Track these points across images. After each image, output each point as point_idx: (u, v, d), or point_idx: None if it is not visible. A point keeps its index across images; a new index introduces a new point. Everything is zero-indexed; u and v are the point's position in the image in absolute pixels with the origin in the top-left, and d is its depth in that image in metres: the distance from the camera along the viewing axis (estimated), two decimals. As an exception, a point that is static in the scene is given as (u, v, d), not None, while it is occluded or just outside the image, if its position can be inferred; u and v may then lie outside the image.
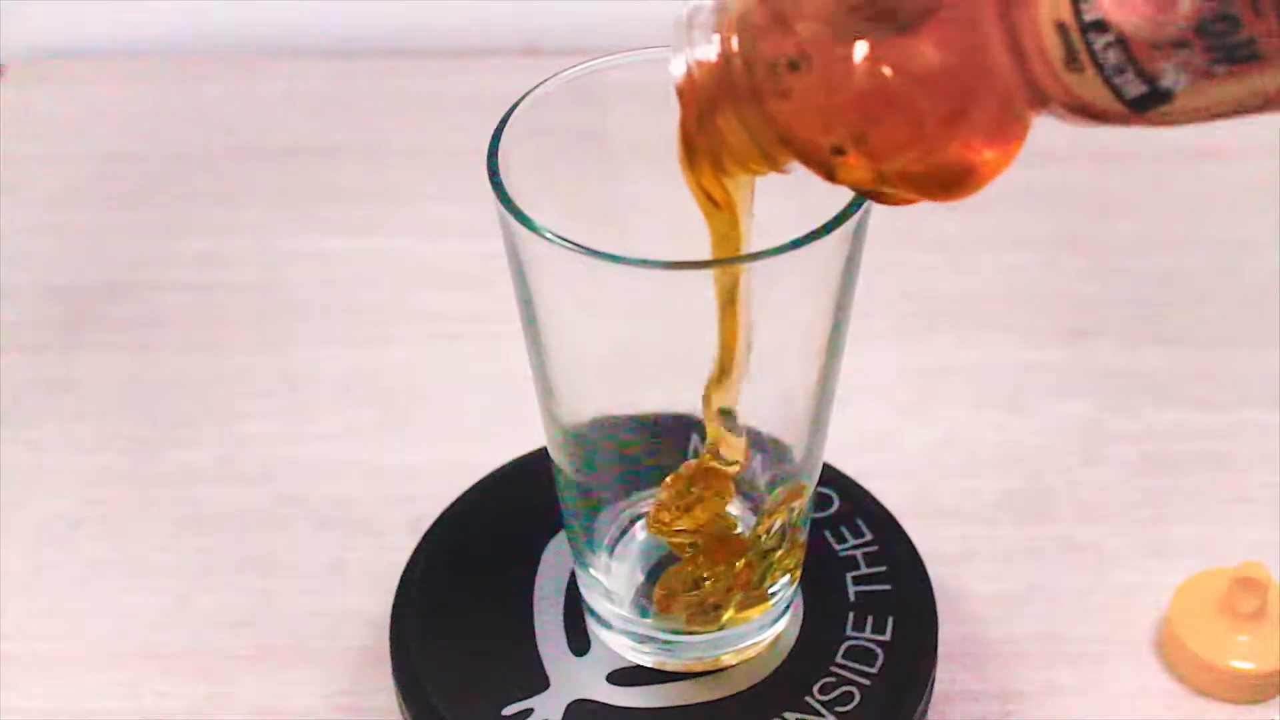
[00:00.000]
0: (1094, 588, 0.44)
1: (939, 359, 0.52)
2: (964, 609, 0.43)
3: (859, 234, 0.32)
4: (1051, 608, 0.44)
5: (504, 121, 0.32)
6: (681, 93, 0.29)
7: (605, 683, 0.37)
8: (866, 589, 0.39)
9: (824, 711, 0.37)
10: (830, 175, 0.28)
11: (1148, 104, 0.24)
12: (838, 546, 0.40)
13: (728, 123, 0.28)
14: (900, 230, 0.56)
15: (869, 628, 0.39)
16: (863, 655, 0.38)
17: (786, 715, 0.37)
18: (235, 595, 0.44)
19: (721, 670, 0.38)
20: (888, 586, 0.39)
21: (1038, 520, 0.46)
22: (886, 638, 0.38)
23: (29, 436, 0.50)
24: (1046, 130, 0.66)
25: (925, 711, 0.38)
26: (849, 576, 0.40)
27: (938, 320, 0.53)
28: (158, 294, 0.55)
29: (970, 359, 0.52)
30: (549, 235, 0.30)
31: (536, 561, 0.40)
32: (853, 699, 0.37)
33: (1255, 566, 0.41)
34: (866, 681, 0.37)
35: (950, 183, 0.27)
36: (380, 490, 0.47)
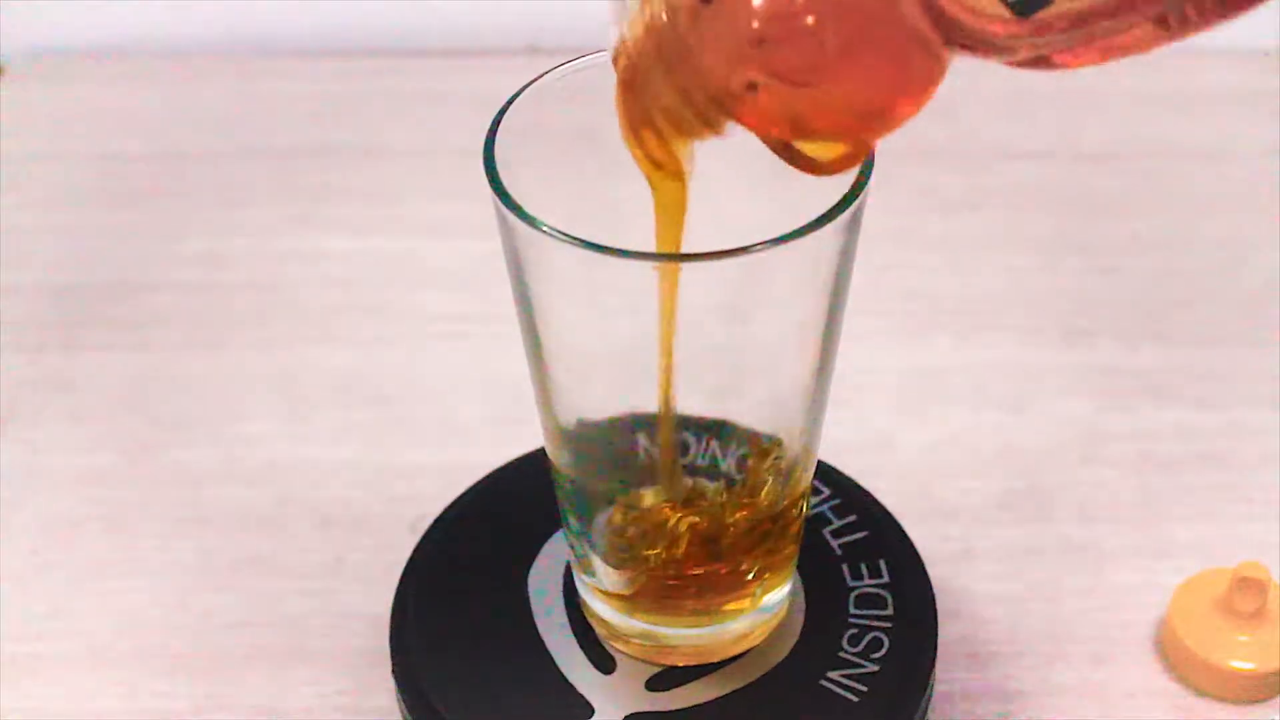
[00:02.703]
0: (1094, 588, 0.44)
1: (939, 359, 0.52)
2: (964, 609, 0.43)
3: (854, 226, 0.32)
4: (1051, 608, 0.44)
5: (500, 115, 0.32)
6: (616, 60, 0.30)
7: (646, 691, 0.37)
8: (847, 539, 0.40)
9: (863, 661, 0.37)
10: (753, 123, 0.28)
11: (1030, 7, 0.25)
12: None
13: (659, 83, 0.29)
14: (900, 230, 0.57)
15: (865, 575, 0.39)
16: (873, 601, 0.38)
17: (830, 675, 0.37)
18: (235, 595, 0.44)
19: (745, 654, 0.38)
20: (865, 533, 0.40)
21: (1038, 520, 0.46)
22: (886, 579, 0.39)
23: (29, 436, 0.50)
24: (1045, 130, 0.66)
25: (926, 712, 0.38)
26: (826, 532, 0.40)
27: (938, 320, 0.53)
28: (158, 294, 0.55)
29: (970, 359, 0.52)
30: (545, 228, 0.30)
31: (535, 561, 0.40)
32: (883, 644, 0.37)
33: (1255, 566, 0.41)
34: (888, 624, 0.38)
35: (860, 119, 0.28)
36: (380, 490, 0.47)
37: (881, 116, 0.28)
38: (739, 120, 0.29)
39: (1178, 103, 0.63)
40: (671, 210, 0.32)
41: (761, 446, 0.35)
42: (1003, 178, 0.59)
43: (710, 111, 0.29)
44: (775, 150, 0.29)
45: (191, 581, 0.45)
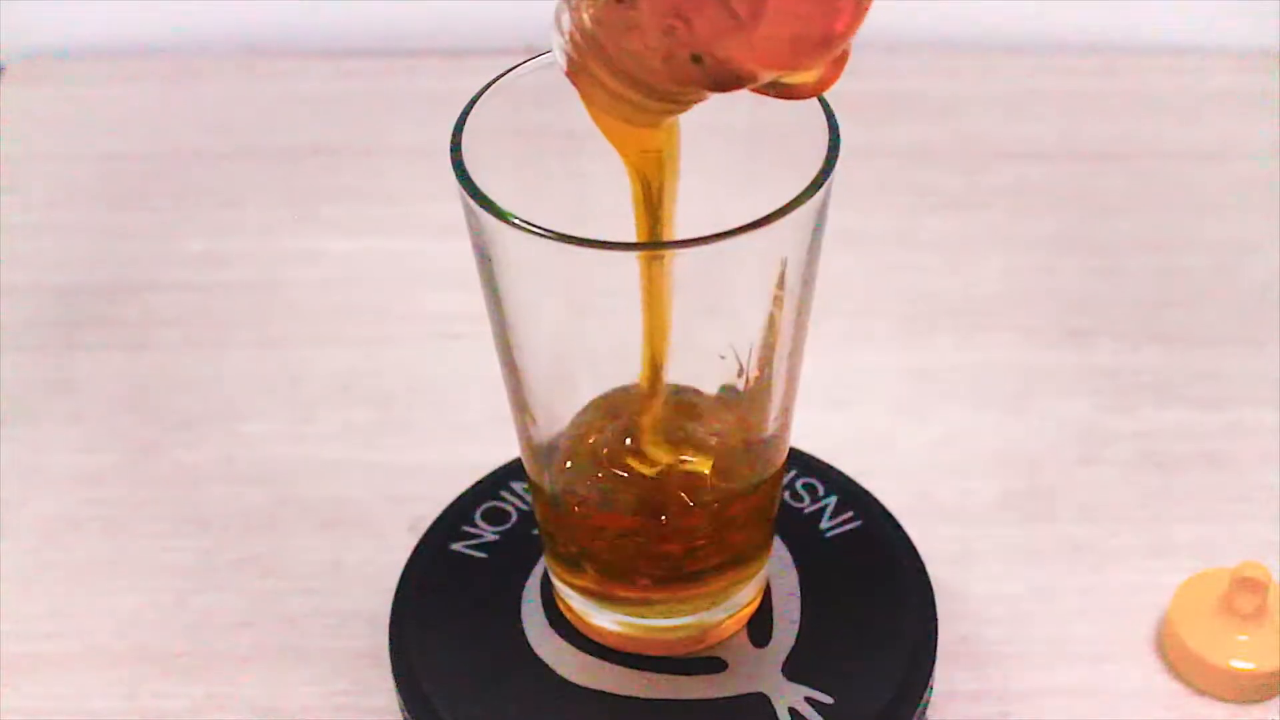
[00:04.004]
0: (1094, 588, 0.44)
1: (939, 359, 0.52)
2: (964, 609, 0.43)
3: (821, 215, 0.32)
4: (1051, 608, 0.44)
5: (467, 110, 0.32)
6: (570, 76, 0.30)
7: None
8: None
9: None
10: (714, 84, 0.29)
11: None
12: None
13: (613, 82, 0.30)
14: (900, 230, 0.57)
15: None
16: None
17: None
18: (235, 595, 0.44)
19: (741, 648, 0.38)
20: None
21: (1038, 520, 0.46)
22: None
23: (29, 436, 0.50)
24: (1045, 130, 0.66)
25: (925, 712, 0.38)
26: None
27: (938, 320, 0.53)
28: (158, 294, 0.55)
29: (970, 359, 0.52)
30: (515, 221, 0.30)
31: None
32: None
33: (1255, 566, 0.41)
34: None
35: (809, 50, 0.28)
36: (380, 490, 0.47)
37: (827, 41, 0.28)
38: (704, 89, 0.29)
39: (1178, 103, 0.63)
40: (653, 205, 0.32)
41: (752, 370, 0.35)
42: (1003, 178, 0.59)
43: (675, 92, 0.29)
44: (761, 92, 0.30)
45: (191, 581, 0.45)
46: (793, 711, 0.37)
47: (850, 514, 0.41)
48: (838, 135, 0.31)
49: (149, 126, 0.64)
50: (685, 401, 0.36)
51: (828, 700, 0.37)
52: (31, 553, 0.46)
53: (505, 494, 0.42)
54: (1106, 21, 0.66)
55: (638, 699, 0.37)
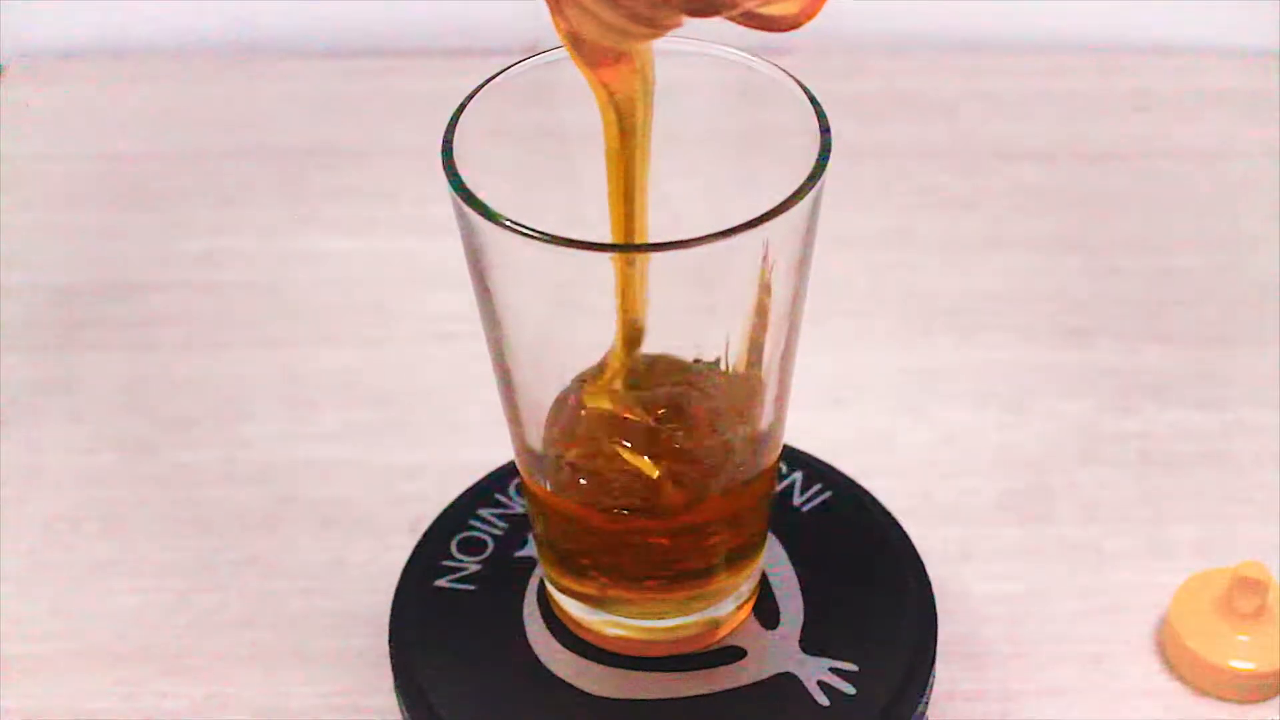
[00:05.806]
0: (1094, 588, 0.44)
1: (939, 359, 0.52)
2: (964, 609, 0.43)
3: (813, 215, 0.32)
4: (1051, 608, 0.44)
5: (458, 111, 0.32)
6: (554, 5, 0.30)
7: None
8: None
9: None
10: (691, 6, 0.28)
11: None
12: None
13: (607, 15, 0.29)
14: (900, 230, 0.57)
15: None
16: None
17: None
18: (235, 595, 0.44)
19: (738, 647, 0.38)
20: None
21: (1038, 520, 0.46)
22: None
23: (29, 436, 0.50)
24: (1045, 130, 0.66)
25: (925, 712, 0.38)
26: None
27: (938, 320, 0.53)
28: (158, 294, 0.55)
29: (970, 359, 0.52)
30: (505, 221, 0.30)
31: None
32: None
33: (1255, 566, 0.41)
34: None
35: None
36: (380, 490, 0.47)
37: None
38: (689, 14, 0.29)
39: (1178, 103, 0.63)
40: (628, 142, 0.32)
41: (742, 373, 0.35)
42: (1003, 178, 0.59)
43: (650, 14, 0.29)
44: (739, 22, 0.29)
45: (191, 581, 0.45)
46: (823, 685, 0.37)
47: (819, 487, 0.41)
48: (829, 137, 0.31)
49: (149, 126, 0.64)
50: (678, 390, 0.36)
51: (853, 668, 0.37)
52: (31, 553, 0.46)
53: (475, 523, 0.41)
54: (1106, 21, 0.66)
55: (672, 700, 0.37)
